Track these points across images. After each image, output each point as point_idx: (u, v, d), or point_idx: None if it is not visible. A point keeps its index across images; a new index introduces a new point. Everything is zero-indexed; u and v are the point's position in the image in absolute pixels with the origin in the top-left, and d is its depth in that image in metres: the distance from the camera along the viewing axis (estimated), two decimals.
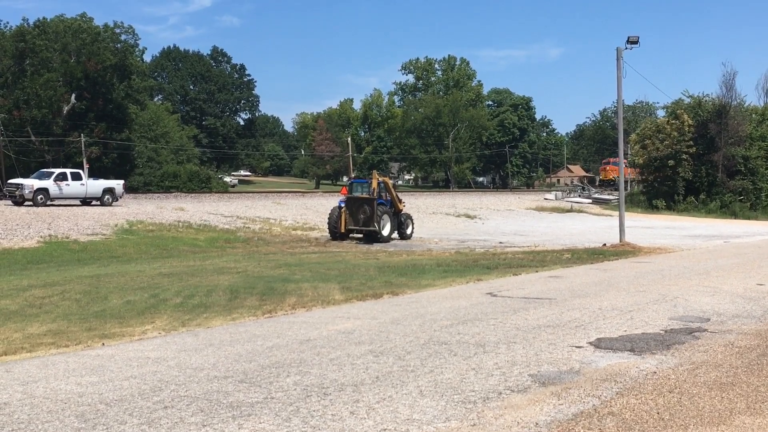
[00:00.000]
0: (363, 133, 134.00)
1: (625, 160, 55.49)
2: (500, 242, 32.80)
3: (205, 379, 7.77)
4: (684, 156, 67.62)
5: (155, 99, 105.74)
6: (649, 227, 43.48)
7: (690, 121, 67.98)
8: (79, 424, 6.23)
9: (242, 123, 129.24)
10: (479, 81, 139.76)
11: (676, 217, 59.99)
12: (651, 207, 67.22)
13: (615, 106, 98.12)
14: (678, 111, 70.32)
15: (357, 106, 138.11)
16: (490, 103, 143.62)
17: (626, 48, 29.11)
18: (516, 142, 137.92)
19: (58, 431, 6.05)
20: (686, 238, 34.79)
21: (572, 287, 15.60)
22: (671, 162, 67.55)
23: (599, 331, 10.35)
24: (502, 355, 8.78)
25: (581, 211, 63.69)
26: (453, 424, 6.22)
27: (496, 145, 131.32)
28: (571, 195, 76.73)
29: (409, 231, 34.57)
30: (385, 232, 32.51)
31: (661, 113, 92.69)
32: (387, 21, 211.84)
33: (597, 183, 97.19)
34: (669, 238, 34.96)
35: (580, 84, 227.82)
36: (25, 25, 77.10)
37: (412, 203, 45.15)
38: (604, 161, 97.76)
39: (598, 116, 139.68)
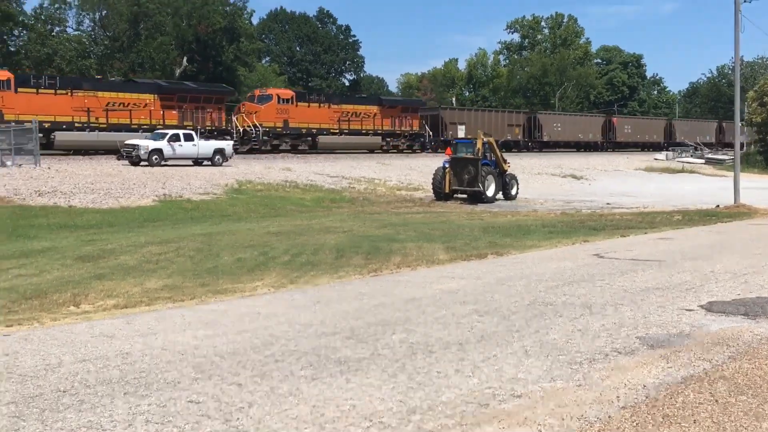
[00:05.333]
0: (468, 93, 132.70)
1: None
2: (607, 203, 32.18)
3: (314, 335, 7.98)
4: None
5: (263, 61, 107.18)
6: (766, 188, 41.85)
7: None
8: (195, 375, 6.51)
9: (347, 84, 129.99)
10: (587, 38, 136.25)
11: None
12: None
13: (732, 63, 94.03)
14: None
15: (462, 66, 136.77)
16: (599, 61, 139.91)
17: (744, 1, 27.87)
18: (625, 101, 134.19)
19: (176, 381, 6.35)
20: None
21: (683, 249, 15.24)
22: None
23: (711, 294, 10.11)
24: (609, 317, 8.70)
25: (693, 172, 61.73)
26: (559, 384, 6.23)
27: (605, 104, 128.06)
28: (683, 155, 74.26)
29: (513, 191, 34.26)
30: (490, 192, 32.32)
31: None
32: None
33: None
34: None
35: (694, 40, 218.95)
36: None
37: (517, 164, 44.70)
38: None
39: (714, 73, 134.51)
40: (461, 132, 62.25)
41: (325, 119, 53.77)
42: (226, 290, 11.27)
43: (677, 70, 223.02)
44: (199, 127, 44.38)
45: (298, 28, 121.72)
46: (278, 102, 51.29)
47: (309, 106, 53.33)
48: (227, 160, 39.26)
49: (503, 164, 34.03)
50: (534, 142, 71.99)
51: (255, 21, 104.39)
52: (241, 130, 48.82)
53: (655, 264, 13.00)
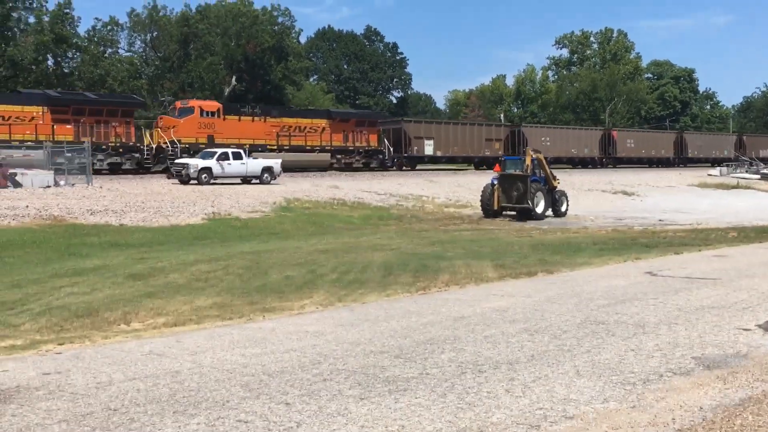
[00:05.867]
0: (516, 109, 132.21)
1: None
2: (660, 220, 31.69)
3: (362, 353, 7.93)
4: None
5: (311, 79, 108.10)
6: None
7: None
8: (244, 393, 6.50)
9: (395, 101, 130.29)
10: (638, 53, 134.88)
11: None
12: None
13: None
14: None
15: (510, 81, 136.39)
16: (650, 75, 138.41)
17: None
18: (677, 116, 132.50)
19: (225, 399, 6.34)
20: None
21: (739, 267, 14.90)
22: None
23: None
24: (662, 337, 8.51)
25: (748, 188, 60.55)
26: (612, 405, 6.09)
27: (656, 120, 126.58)
28: (737, 170, 72.92)
29: (563, 208, 33.91)
30: (539, 209, 32.04)
31: None
32: None
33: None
34: None
35: (748, 53, 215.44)
36: (188, 10, 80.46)
37: (567, 180, 44.27)
38: None
39: None
40: (428, 148, 59.06)
41: (260, 134, 48.93)
42: (274, 308, 11.28)
43: (731, 84, 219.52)
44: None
45: (345, 46, 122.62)
46: (201, 115, 46.43)
47: (240, 120, 48.48)
48: (275, 178, 39.55)
49: (553, 181, 33.74)
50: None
51: (303, 40, 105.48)
52: (154, 147, 43.93)
53: (710, 282, 12.72)
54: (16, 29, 66.38)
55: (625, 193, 49.65)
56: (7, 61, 62.67)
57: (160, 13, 79.92)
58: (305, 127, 51.87)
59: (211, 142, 45.14)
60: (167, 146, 43.34)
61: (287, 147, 49.91)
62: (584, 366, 7.28)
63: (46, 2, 68.39)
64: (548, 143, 67.36)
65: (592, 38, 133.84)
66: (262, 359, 7.71)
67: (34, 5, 67.39)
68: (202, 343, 8.58)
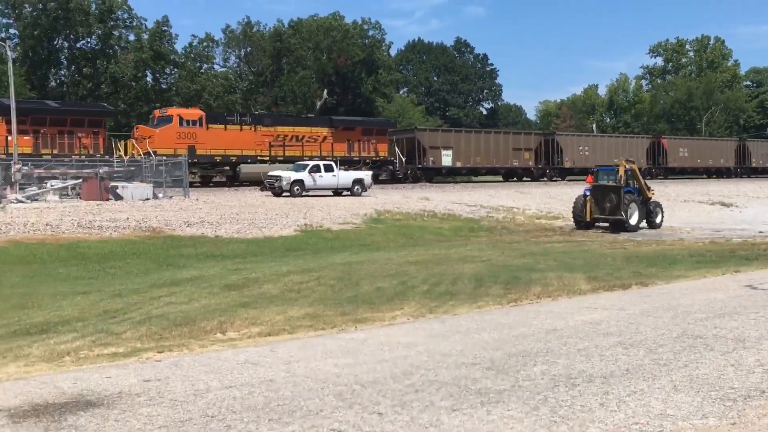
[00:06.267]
0: (608, 119, 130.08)
1: None
2: (760, 232, 30.66)
3: (454, 365, 7.93)
4: None
5: (401, 91, 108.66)
6: None
7: None
8: (337, 403, 6.58)
9: (485, 113, 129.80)
10: (736, 60, 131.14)
11: None
12: None
13: None
14: None
15: (602, 91, 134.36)
16: (749, 83, 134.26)
17: None
18: None
19: (318, 409, 6.43)
20: None
21: None
22: None
23: None
24: (764, 352, 8.25)
25: None
26: (711, 421, 5.94)
27: (755, 128, 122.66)
28: None
29: (658, 220, 33.15)
30: (633, 220, 31.39)
31: None
32: (633, 2, 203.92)
33: None
34: None
35: None
36: (281, 26, 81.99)
37: (661, 191, 43.28)
38: None
39: None
40: (446, 158, 54.71)
41: (249, 144, 45.84)
42: (365, 319, 11.37)
43: None
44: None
45: (435, 58, 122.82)
46: (180, 124, 43.60)
47: (226, 129, 45.38)
48: (366, 190, 39.88)
49: (647, 191, 33.03)
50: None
51: (393, 52, 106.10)
52: (125, 159, 40.50)
53: None
54: (117, 47, 68.83)
55: (722, 204, 48.23)
56: (109, 78, 64.98)
57: (254, 29, 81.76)
58: (303, 136, 48.77)
59: (192, 153, 42.47)
60: (141, 158, 39.58)
61: (281, 158, 46.38)
62: (681, 381, 7.12)
63: (146, 20, 70.81)
64: (587, 152, 63.47)
65: (687, 46, 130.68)
66: (354, 369, 7.79)
67: (134, 24, 69.82)
68: (296, 353, 8.72)
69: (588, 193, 32.00)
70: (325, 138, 49.46)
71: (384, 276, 16.40)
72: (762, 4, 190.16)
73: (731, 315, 10.58)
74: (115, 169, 36.53)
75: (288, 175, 38.38)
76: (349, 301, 13.09)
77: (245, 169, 45.18)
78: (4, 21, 66.08)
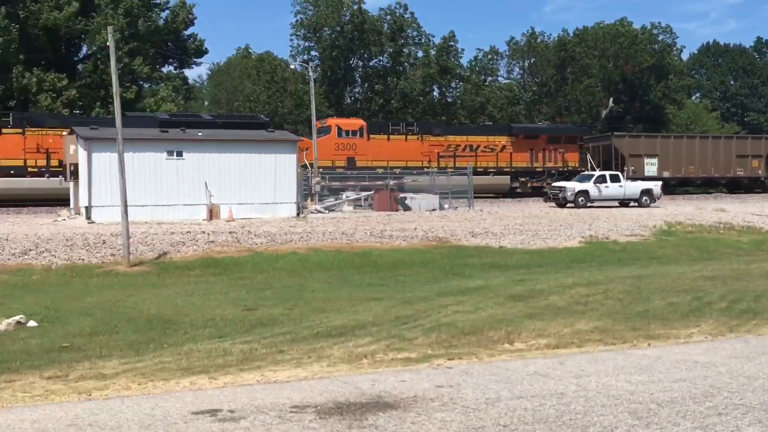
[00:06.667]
0: None
1: None
2: None
3: (761, 389, 7.36)
4: None
5: (693, 97, 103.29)
6: None
7: None
8: (632, 421, 6.34)
9: None
10: None
11: None
12: None
13: None
14: None
15: None
16: None
17: None
18: None
19: (612, 425, 6.23)
20: None
21: None
22: None
23: None
24: None
25: None
26: None
27: None
28: None
29: None
30: None
31: None
32: None
33: None
34: None
35: None
36: (566, 35, 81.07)
37: None
38: None
39: None
40: (650, 167, 49.02)
41: (415, 155, 43.57)
42: (658, 335, 10.89)
43: None
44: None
45: (732, 60, 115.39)
46: (339, 135, 42.17)
47: (389, 139, 43.47)
48: (655, 201, 38.40)
49: None
50: None
51: (685, 56, 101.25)
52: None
53: None
54: (406, 64, 71.68)
55: None
56: (398, 94, 67.79)
57: (538, 40, 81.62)
58: (478, 146, 45.99)
59: (352, 165, 41.31)
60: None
61: (451, 169, 41.92)
62: None
63: (433, 37, 73.11)
64: None
65: None
66: (649, 387, 7.47)
67: (423, 41, 72.34)
68: (586, 367, 8.53)
69: None
70: (503, 147, 46.78)
71: (677, 291, 15.63)
72: None
73: None
74: (406, 181, 37.92)
75: (572, 185, 37.92)
76: (639, 316, 12.61)
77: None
78: (306, 44, 71.15)
